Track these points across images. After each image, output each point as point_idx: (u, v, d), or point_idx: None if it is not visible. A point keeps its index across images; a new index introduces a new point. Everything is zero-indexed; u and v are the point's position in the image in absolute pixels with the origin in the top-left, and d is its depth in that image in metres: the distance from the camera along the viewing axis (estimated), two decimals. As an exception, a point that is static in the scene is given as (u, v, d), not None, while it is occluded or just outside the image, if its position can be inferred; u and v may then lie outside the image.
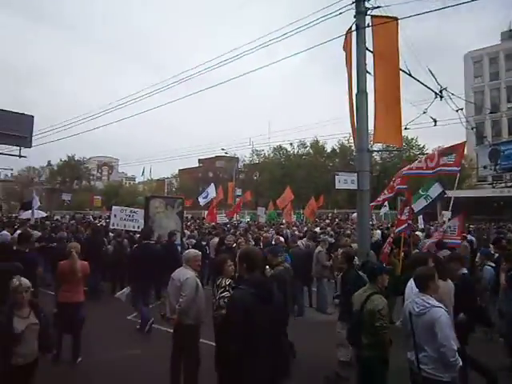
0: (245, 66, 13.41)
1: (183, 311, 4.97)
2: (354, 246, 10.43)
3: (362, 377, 4.62)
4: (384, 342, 4.32)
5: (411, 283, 4.60)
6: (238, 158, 54.83)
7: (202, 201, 26.12)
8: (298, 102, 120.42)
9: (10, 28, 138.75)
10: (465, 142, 10.18)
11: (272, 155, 53.72)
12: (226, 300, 4.44)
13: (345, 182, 9.44)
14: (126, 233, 12.00)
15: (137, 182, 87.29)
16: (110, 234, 12.89)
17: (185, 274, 5.13)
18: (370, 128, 9.28)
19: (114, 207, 11.98)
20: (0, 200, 46.97)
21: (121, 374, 6.07)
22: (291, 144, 50.46)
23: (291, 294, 6.22)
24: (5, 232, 11.94)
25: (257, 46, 12.10)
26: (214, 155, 54.61)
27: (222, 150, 41.50)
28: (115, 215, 11.23)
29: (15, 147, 30.82)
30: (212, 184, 27.17)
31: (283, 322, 4.06)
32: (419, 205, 10.96)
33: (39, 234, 12.14)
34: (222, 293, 4.64)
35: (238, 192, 38.73)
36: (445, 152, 9.06)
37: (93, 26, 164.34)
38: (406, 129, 9.92)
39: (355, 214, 23.69)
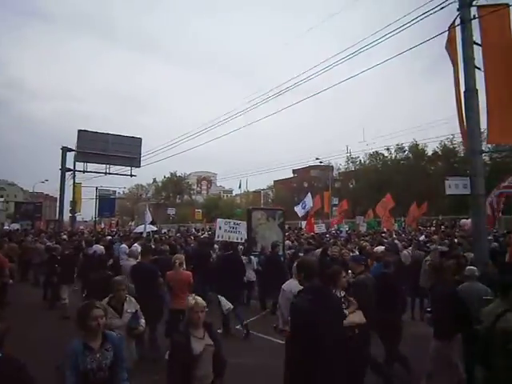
0: (338, 74, 13.31)
1: None
2: (468, 255, 9.64)
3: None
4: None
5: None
6: (332, 166, 54.19)
7: (300, 211, 26.18)
8: (392, 107, 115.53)
9: (117, 59, 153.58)
10: None
11: (368, 162, 52.13)
12: (344, 311, 4.50)
13: (456, 187, 8.75)
14: (230, 244, 12.40)
15: (234, 194, 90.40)
16: (215, 245, 13.43)
17: (296, 285, 5.13)
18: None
19: (218, 219, 12.47)
20: (116, 215, 51.59)
21: (235, 382, 6.21)
22: (388, 149, 48.42)
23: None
24: (124, 245, 13.09)
25: (352, 53, 12.00)
26: (307, 165, 54.50)
27: (317, 159, 41.24)
28: (220, 227, 11.70)
29: (127, 167, 33.69)
30: (309, 194, 27.14)
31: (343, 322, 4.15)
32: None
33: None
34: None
35: (335, 201, 38.15)
36: None
37: (191, 48, 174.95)
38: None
39: (464, 221, 22.01)
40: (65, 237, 16.90)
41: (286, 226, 24.42)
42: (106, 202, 42.36)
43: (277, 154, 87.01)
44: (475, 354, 4.44)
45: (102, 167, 32.90)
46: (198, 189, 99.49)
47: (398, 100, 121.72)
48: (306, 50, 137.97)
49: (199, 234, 25.01)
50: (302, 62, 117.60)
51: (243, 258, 11.17)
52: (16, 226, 41.68)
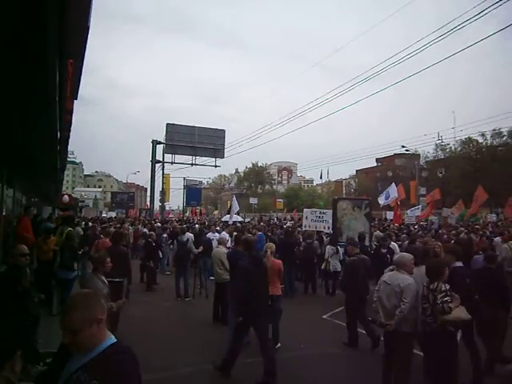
0: (426, 57, 12.59)
1: (404, 318, 4.86)
2: None
3: None
4: None
5: None
6: (419, 154, 51.46)
7: (382, 201, 25.38)
8: (489, 89, 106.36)
9: (200, 56, 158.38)
10: None
11: (459, 149, 48.67)
12: (450, 305, 4.39)
13: None
14: (316, 234, 12.40)
15: (315, 184, 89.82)
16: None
17: (404, 278, 4.99)
18: None
19: (305, 210, 12.48)
20: (202, 205, 53.89)
21: (322, 370, 6.23)
22: (483, 134, 44.74)
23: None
24: (211, 233, 13.67)
25: (444, 34, 11.31)
26: (392, 153, 52.33)
27: (403, 147, 39.32)
28: (306, 217, 11.69)
29: (211, 158, 34.93)
30: (393, 184, 26.12)
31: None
32: None
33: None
34: (443, 297, 4.45)
35: (422, 191, 36.32)
36: None
37: (269, 42, 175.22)
38: None
39: None
40: (158, 224, 18.03)
41: (371, 217, 23.88)
42: (193, 192, 44.36)
43: (359, 142, 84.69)
44: None
45: (188, 159, 34.55)
46: (279, 179, 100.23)
47: (491, 82, 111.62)
48: (387, 37, 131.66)
49: (284, 223, 25.29)
50: (385, 48, 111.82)
51: (331, 247, 11.08)
52: (113, 213, 45.44)
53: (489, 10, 10.35)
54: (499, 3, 9.72)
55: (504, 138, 44.86)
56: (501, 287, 5.86)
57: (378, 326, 5.16)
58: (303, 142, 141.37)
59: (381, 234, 13.70)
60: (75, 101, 5.95)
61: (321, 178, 63.21)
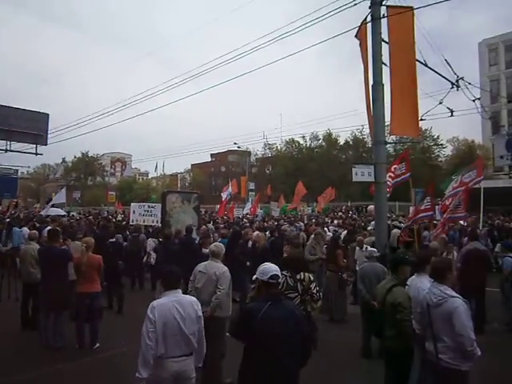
0: (258, 60, 13.43)
1: (219, 304, 5.09)
2: (368, 240, 10.01)
3: (387, 367, 4.58)
4: (406, 334, 4.24)
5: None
6: (250, 151, 54.95)
7: (224, 196, 26.50)
8: (310, 96, 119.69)
9: (25, 27, 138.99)
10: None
11: (284, 148, 53.67)
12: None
13: (362, 174, 9.43)
14: (145, 228, 12.13)
15: (150, 177, 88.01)
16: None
17: (219, 267, 5.22)
18: (386, 119, 9.29)
19: (132, 204, 12.17)
20: (19, 197, 47.60)
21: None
22: (303, 137, 50.38)
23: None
24: (25, 229, 12.19)
25: (271, 40, 12.15)
26: (226, 149, 54.67)
27: (235, 144, 41.42)
28: (134, 211, 11.38)
29: (31, 144, 31.14)
30: (234, 180, 27.47)
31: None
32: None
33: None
34: (315, 287, 4.92)
35: (251, 186, 38.84)
36: (467, 171, 10.32)
37: (104, 25, 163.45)
38: (421, 120, 9.87)
39: (371, 207, 23.68)
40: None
41: (203, 211, 24.58)
42: (6, 182, 38.82)
43: (195, 137, 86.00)
44: (371, 327, 4.84)
45: (1, 143, 30.20)
46: (112, 170, 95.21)
47: (316, 89, 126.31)
48: (223, 35, 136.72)
49: (115, 216, 24.11)
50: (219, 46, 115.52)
51: (152, 240, 11.01)
52: None
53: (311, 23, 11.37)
54: (320, 19, 10.79)
55: (320, 141, 51.18)
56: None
57: None
58: (139, 133, 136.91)
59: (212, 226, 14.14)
60: None
61: (156, 170, 62.36)
